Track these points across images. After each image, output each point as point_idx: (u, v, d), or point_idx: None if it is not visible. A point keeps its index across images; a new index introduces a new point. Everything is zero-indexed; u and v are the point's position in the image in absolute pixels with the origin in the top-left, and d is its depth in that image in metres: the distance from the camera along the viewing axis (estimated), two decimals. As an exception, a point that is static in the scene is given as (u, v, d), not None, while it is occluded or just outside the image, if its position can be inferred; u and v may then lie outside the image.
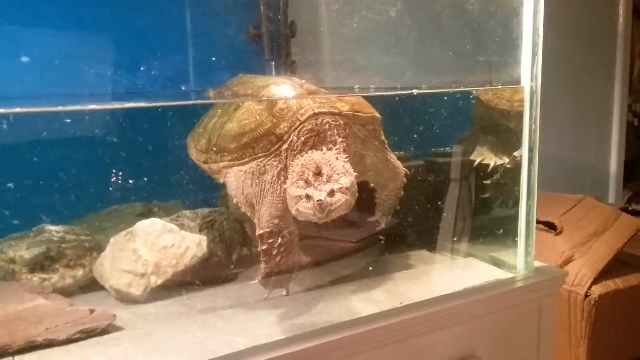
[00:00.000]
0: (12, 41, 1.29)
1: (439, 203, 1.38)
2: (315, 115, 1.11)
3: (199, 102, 1.40)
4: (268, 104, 1.16)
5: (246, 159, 1.14)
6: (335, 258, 1.33)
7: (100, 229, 1.34)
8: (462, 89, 1.25)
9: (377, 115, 1.19)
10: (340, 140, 1.10)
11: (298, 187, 1.00)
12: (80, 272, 1.20)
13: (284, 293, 1.16)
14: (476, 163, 1.38)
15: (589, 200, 2.06)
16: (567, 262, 1.81)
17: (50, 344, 0.96)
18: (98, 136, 1.40)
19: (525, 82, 1.21)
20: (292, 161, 1.08)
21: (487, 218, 1.39)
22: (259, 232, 1.13)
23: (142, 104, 1.27)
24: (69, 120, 1.31)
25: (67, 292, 1.16)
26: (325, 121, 1.11)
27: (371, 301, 1.13)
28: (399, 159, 1.27)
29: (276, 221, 1.12)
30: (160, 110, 1.37)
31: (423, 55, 1.28)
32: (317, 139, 1.10)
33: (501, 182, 1.32)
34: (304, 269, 1.20)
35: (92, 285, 1.21)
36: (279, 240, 1.13)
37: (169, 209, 1.44)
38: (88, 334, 0.99)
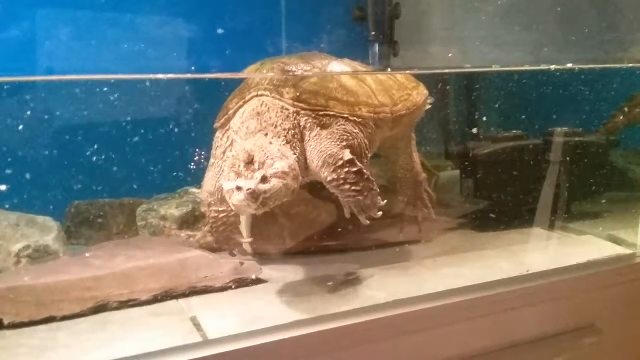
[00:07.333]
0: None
1: (556, 181, 1.40)
2: (258, 96, 1.09)
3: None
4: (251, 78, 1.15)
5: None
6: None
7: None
8: (596, 66, 1.27)
9: (332, 110, 1.09)
10: (280, 123, 1.05)
11: (229, 180, 0.93)
12: (219, 232, 1.31)
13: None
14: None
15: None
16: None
17: (208, 290, 1.07)
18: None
19: (656, 61, 1.22)
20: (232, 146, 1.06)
21: (605, 197, 1.40)
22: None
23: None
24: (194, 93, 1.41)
25: (207, 249, 1.26)
26: (265, 103, 1.07)
27: (496, 269, 1.18)
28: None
29: (205, 195, 1.12)
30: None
31: (555, 32, 1.30)
32: (259, 119, 1.06)
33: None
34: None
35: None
36: (208, 214, 1.13)
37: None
38: (239, 283, 1.09)
